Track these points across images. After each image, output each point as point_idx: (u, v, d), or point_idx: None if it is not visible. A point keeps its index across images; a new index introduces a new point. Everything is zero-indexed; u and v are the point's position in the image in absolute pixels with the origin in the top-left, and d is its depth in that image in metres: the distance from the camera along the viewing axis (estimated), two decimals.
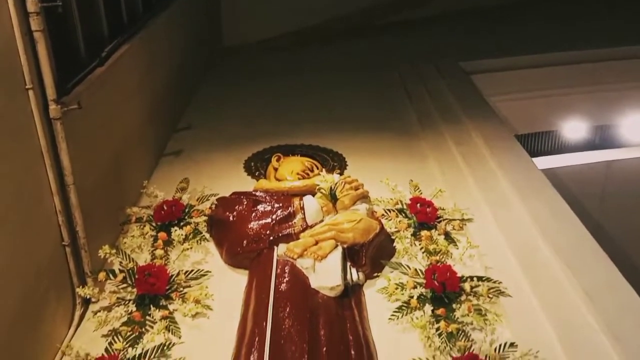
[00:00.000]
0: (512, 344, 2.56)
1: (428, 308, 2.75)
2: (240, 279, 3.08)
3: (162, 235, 3.27)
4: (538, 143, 6.57)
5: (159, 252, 3.14)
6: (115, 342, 2.60)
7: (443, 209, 3.51)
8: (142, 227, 3.37)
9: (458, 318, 2.72)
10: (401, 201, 3.56)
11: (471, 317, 2.72)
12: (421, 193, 3.66)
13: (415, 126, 4.84)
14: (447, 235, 3.32)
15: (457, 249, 3.20)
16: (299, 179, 3.71)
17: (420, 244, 3.23)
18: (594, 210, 5.15)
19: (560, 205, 3.61)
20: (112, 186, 3.38)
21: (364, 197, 3.49)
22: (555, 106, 6.16)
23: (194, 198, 3.62)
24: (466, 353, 2.47)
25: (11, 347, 2.30)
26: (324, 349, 2.51)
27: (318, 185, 3.46)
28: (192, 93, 5.62)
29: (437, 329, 2.65)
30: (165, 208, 3.41)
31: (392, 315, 2.80)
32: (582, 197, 5.16)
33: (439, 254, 3.12)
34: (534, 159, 4.37)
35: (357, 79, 5.99)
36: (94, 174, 3.07)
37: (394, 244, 3.24)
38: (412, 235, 3.32)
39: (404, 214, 3.47)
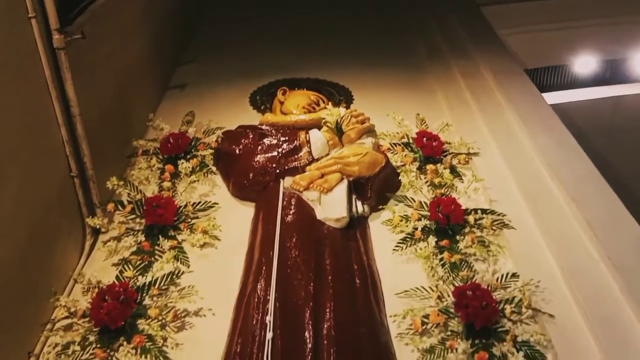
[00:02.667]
0: (514, 274, 2.61)
1: (432, 239, 2.79)
2: (247, 211, 3.12)
3: (169, 167, 3.29)
4: (548, 77, 6.47)
5: (167, 184, 3.18)
6: (126, 270, 2.67)
7: (449, 143, 3.50)
8: (149, 159, 3.39)
9: (461, 249, 2.76)
10: (407, 135, 3.54)
11: (474, 248, 2.76)
12: (427, 127, 3.64)
13: (423, 59, 4.75)
14: (453, 169, 3.32)
15: (462, 182, 3.22)
16: (305, 112, 3.68)
17: (425, 178, 3.24)
18: (601, 145, 5.12)
19: (567, 139, 3.58)
20: (118, 118, 3.38)
21: (370, 131, 3.48)
22: (567, 40, 6.01)
23: (200, 131, 3.62)
24: (468, 282, 2.52)
25: (25, 275, 2.36)
26: (330, 277, 2.57)
27: (324, 118, 3.45)
28: (197, 25, 5.52)
29: (441, 260, 2.70)
30: (171, 141, 3.41)
31: (397, 246, 2.85)
32: (590, 132, 5.13)
33: (444, 187, 3.15)
34: (544, 94, 4.31)
35: (364, 10, 5.84)
36: (99, 105, 3.07)
37: (399, 178, 3.25)
38: (417, 169, 3.33)
39: (409, 148, 3.47)
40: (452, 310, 2.44)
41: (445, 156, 3.41)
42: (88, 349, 2.34)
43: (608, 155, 5.09)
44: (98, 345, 2.34)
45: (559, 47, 6.10)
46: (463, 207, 2.94)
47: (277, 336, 2.30)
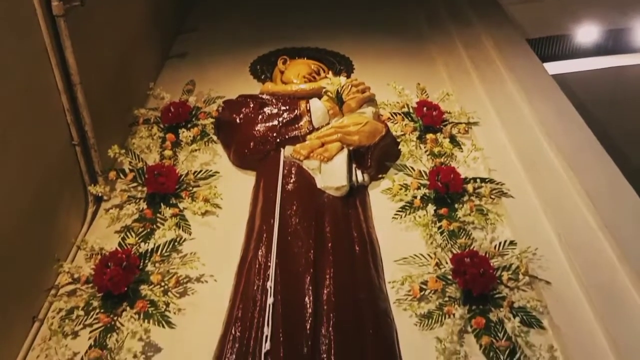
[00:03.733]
0: (511, 242, 2.64)
1: (431, 208, 2.81)
2: (248, 179, 3.14)
3: (170, 136, 3.30)
4: (550, 47, 6.41)
5: (168, 152, 3.19)
6: (128, 237, 2.70)
7: (449, 113, 3.50)
8: (150, 128, 3.40)
9: (460, 217, 2.79)
10: (407, 104, 3.54)
11: (473, 216, 2.79)
12: (428, 96, 3.64)
13: (424, 28, 4.72)
14: (453, 139, 3.33)
15: (462, 151, 3.23)
16: (306, 81, 3.67)
17: (425, 147, 3.26)
18: (601, 115, 5.10)
19: (568, 109, 3.58)
20: (118, 87, 3.37)
21: (371, 100, 3.48)
22: (569, 9, 5.95)
23: (201, 100, 3.61)
24: (466, 250, 2.55)
25: (28, 242, 2.39)
26: (330, 244, 2.60)
27: (325, 88, 3.45)
28: None
29: (439, 228, 2.72)
30: (172, 110, 3.41)
31: (396, 214, 2.88)
32: (590, 102, 5.10)
33: (443, 157, 3.16)
34: (545, 64, 4.29)
35: None
36: (100, 74, 3.06)
37: (399, 147, 3.26)
38: (417, 138, 3.33)
39: (410, 118, 3.47)
40: (450, 276, 2.48)
41: (445, 125, 3.41)
42: (92, 313, 2.38)
43: (608, 125, 5.07)
44: (101, 310, 2.38)
45: (561, 17, 6.03)
46: (462, 176, 2.96)
47: (278, 301, 2.35)
